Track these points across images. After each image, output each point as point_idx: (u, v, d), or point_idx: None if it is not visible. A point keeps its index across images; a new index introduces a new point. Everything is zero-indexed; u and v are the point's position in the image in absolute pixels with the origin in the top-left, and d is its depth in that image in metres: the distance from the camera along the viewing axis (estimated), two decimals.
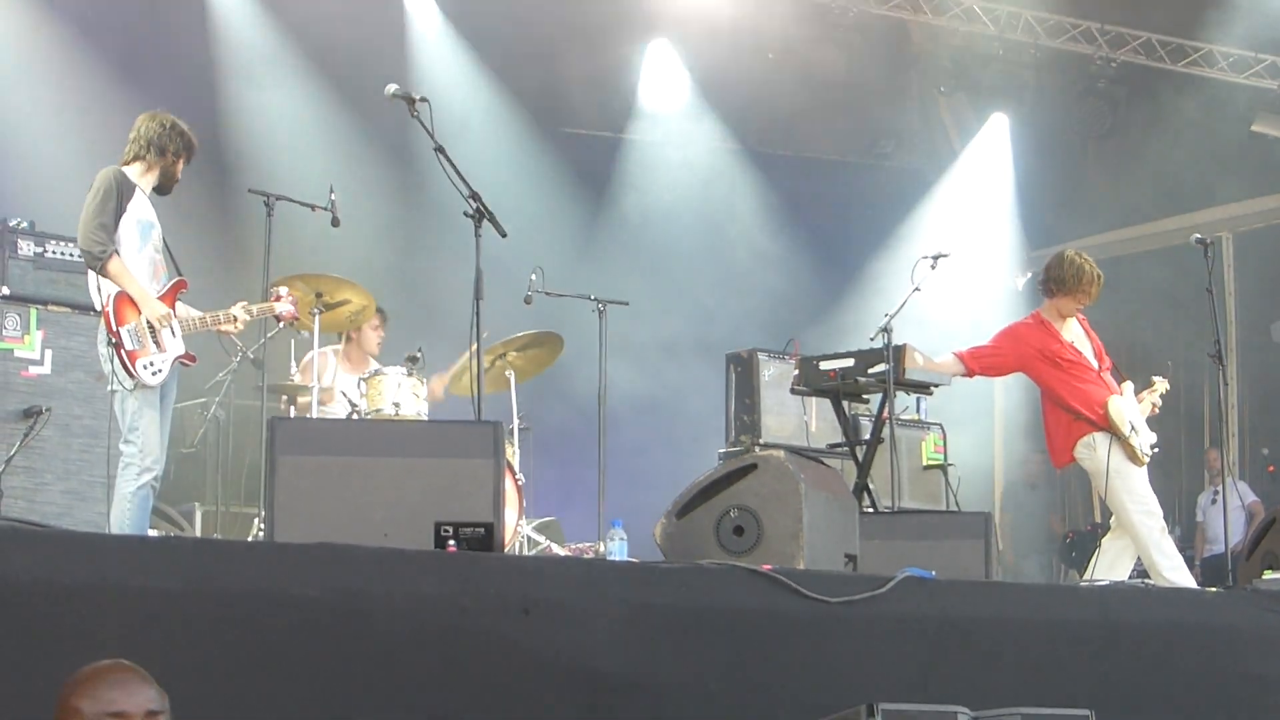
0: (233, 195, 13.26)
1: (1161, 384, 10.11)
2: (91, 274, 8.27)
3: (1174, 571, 9.40)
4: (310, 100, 14.98)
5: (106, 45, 13.70)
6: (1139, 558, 9.85)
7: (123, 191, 8.22)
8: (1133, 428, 9.58)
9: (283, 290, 8.96)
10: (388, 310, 11.40)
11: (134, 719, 3.94)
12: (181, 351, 8.30)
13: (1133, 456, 9.57)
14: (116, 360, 8.04)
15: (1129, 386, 9.83)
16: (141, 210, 8.32)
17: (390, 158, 14.25)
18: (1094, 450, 9.59)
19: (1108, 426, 9.55)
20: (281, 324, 9.12)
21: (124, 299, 8.11)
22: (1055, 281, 9.86)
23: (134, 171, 8.40)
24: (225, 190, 13.39)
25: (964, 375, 10.15)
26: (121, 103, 12.91)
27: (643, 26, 16.70)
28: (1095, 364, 9.86)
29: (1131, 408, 9.69)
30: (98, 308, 8.22)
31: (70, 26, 13.58)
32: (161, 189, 8.52)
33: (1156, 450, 9.81)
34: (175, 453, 9.05)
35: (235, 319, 8.60)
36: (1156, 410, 10.00)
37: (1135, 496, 9.55)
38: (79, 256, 8.76)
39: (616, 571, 7.07)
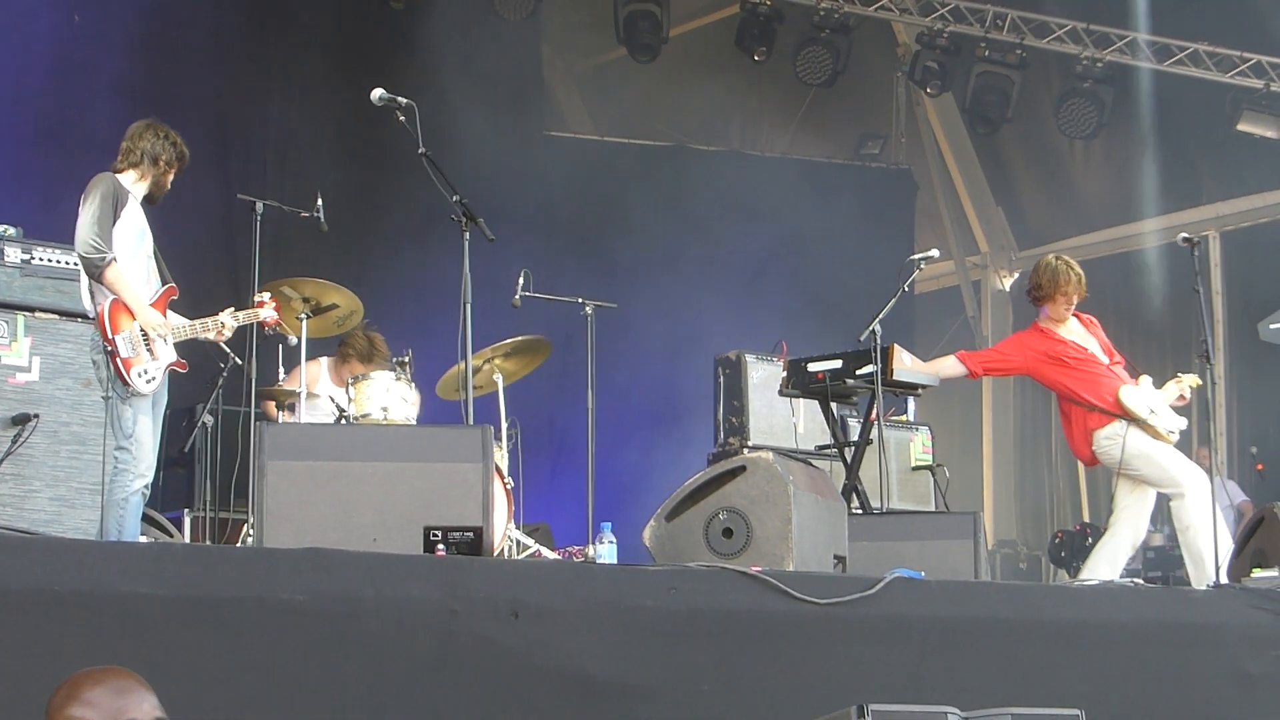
0: (223, 201, 13.27)
1: (1190, 378, 10.07)
2: (84, 279, 8.26)
3: (1204, 530, 9.40)
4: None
5: (97, 49, 13.69)
6: (1130, 559, 9.90)
7: (118, 198, 8.22)
8: (1152, 410, 9.61)
9: (265, 296, 8.98)
10: (378, 321, 11.36)
11: None
12: (173, 358, 8.30)
13: (1156, 435, 9.61)
14: (111, 368, 8.04)
15: (1146, 379, 9.84)
16: (135, 218, 8.32)
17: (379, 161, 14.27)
18: (1115, 439, 9.61)
19: (1124, 414, 9.58)
20: (268, 330, 9.12)
21: (118, 306, 8.10)
22: (1035, 288, 9.93)
23: (127, 179, 8.40)
24: (216, 195, 13.38)
25: (966, 376, 10.19)
26: (111, 108, 12.94)
27: None
28: (1104, 359, 9.89)
29: (1149, 394, 9.71)
30: (91, 314, 8.21)
31: (60, 30, 13.57)
32: (151, 198, 8.52)
33: (1184, 430, 9.83)
34: (163, 459, 9.02)
35: (223, 325, 8.61)
36: (1185, 401, 9.98)
37: (1165, 471, 9.58)
38: (67, 263, 8.75)
39: (606, 575, 7.08)
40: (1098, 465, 10.14)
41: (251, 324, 8.91)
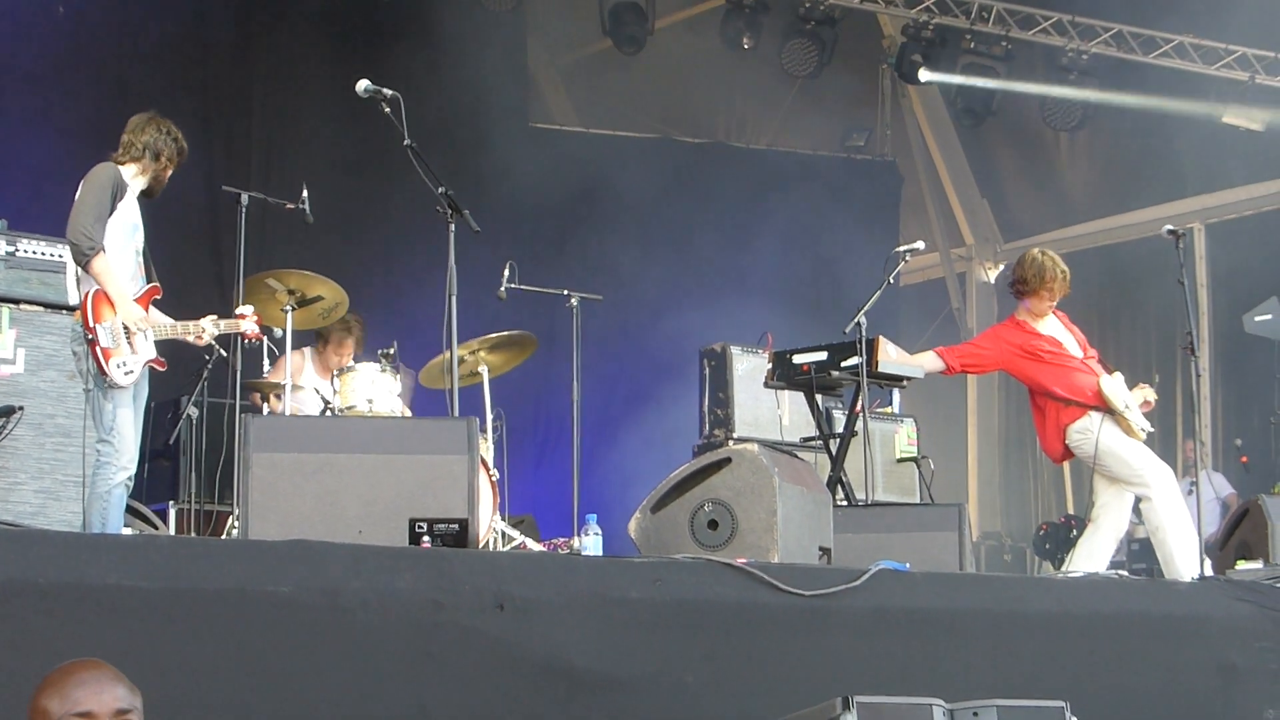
0: (208, 192, 13.25)
1: (1149, 390, 10.11)
2: (71, 269, 8.27)
3: (1182, 533, 9.42)
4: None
5: (84, 40, 13.67)
6: (1114, 552, 9.92)
7: (117, 190, 8.22)
8: (1127, 405, 9.64)
9: (247, 309, 8.98)
10: (365, 313, 11.34)
11: (101, 718, 3.92)
12: (152, 355, 8.30)
13: (1129, 430, 9.63)
14: (90, 358, 8.03)
15: (1119, 375, 9.87)
16: (130, 212, 8.32)
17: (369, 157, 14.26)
18: (1088, 434, 9.63)
19: (1100, 404, 9.60)
20: (247, 343, 9.14)
21: (101, 297, 8.10)
22: (1020, 282, 9.96)
23: (127, 173, 8.39)
24: (201, 187, 13.36)
25: (943, 372, 10.21)
26: (96, 98, 12.93)
27: None
28: (1079, 354, 9.91)
29: (1124, 390, 9.74)
30: (75, 303, 8.22)
31: (49, 24, 13.55)
32: (149, 193, 8.52)
33: (1152, 431, 9.86)
34: (148, 451, 9.02)
35: (203, 331, 8.62)
36: (1151, 407, 10.02)
37: (1132, 470, 9.60)
38: (52, 255, 8.74)
39: (591, 566, 7.07)
40: (1067, 461, 10.18)
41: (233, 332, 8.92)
